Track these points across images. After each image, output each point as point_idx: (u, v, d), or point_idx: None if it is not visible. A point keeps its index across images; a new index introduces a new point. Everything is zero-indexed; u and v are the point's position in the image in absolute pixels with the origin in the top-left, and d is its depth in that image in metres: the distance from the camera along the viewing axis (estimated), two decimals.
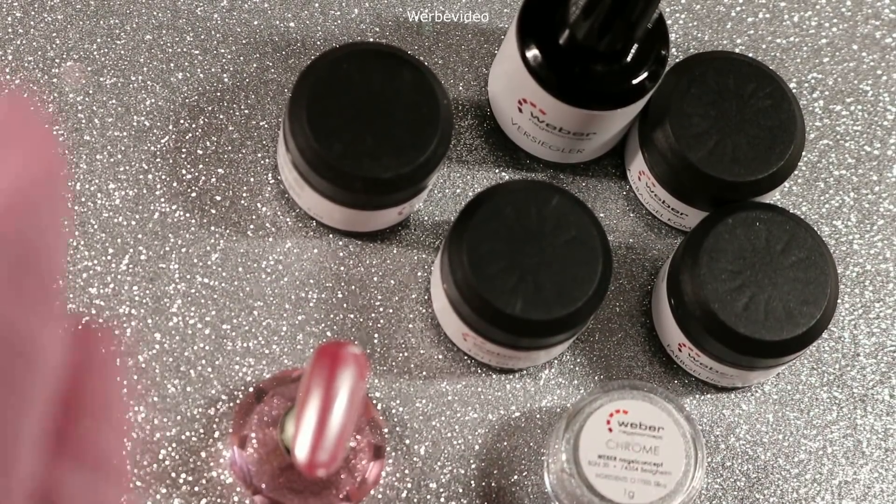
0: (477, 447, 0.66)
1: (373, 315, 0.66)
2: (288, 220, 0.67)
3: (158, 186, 0.67)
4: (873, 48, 0.74)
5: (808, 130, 0.72)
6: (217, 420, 0.64)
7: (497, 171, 0.69)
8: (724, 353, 0.64)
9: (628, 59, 0.63)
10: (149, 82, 0.68)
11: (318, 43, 0.70)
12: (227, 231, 0.67)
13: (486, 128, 0.70)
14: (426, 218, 0.68)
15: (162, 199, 0.67)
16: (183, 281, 0.66)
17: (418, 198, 0.65)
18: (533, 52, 0.63)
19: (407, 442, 0.65)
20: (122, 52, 0.68)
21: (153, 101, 0.68)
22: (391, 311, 0.67)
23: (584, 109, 0.64)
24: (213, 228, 0.66)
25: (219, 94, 0.68)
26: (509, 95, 0.66)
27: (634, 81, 0.63)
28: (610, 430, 0.62)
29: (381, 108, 0.62)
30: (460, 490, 0.65)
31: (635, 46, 0.63)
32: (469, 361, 0.66)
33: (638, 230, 0.70)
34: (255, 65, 0.69)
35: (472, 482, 0.65)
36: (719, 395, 0.68)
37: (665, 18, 0.65)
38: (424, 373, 0.66)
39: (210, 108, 0.68)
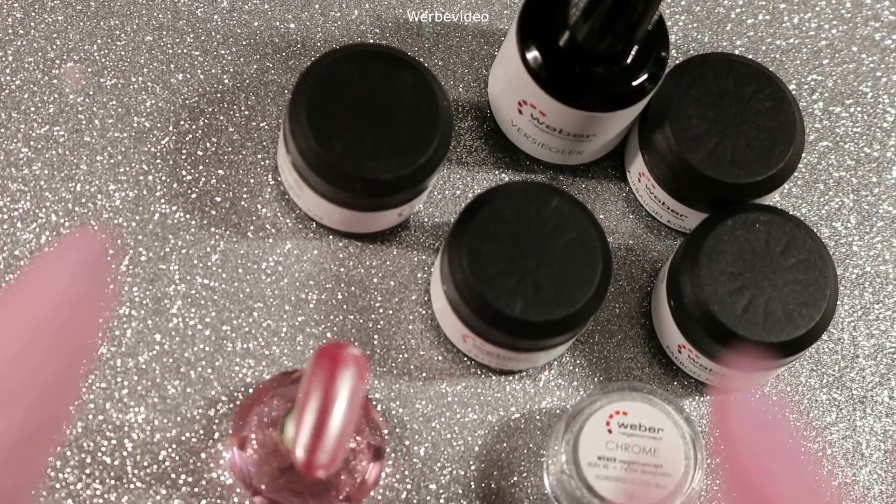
0: (476, 448, 0.66)
1: (373, 316, 0.66)
2: (288, 221, 0.67)
3: (158, 188, 0.67)
4: (873, 50, 0.74)
5: (807, 132, 0.72)
6: (217, 421, 0.64)
7: (497, 172, 0.69)
8: (724, 354, 0.64)
9: (628, 60, 0.63)
10: (149, 83, 0.68)
11: (318, 44, 0.70)
12: (227, 232, 0.67)
13: (485, 129, 0.70)
14: (426, 219, 0.68)
15: (162, 201, 0.67)
16: (183, 282, 0.66)
17: (418, 199, 0.65)
18: (533, 54, 0.63)
19: (407, 443, 0.65)
20: (123, 53, 0.68)
21: (153, 102, 0.68)
22: (391, 312, 0.67)
23: (583, 111, 0.64)
24: (213, 230, 0.67)
25: (219, 95, 0.68)
26: (509, 97, 0.66)
27: (634, 83, 0.64)
28: (609, 431, 0.62)
29: (382, 110, 0.62)
30: (460, 491, 0.65)
31: (635, 48, 0.63)
32: (469, 363, 0.67)
33: (637, 232, 0.70)
34: (255, 66, 0.69)
35: (472, 483, 0.65)
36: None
37: (665, 20, 0.65)
38: (424, 374, 0.66)
39: (210, 110, 0.68)
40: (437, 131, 0.62)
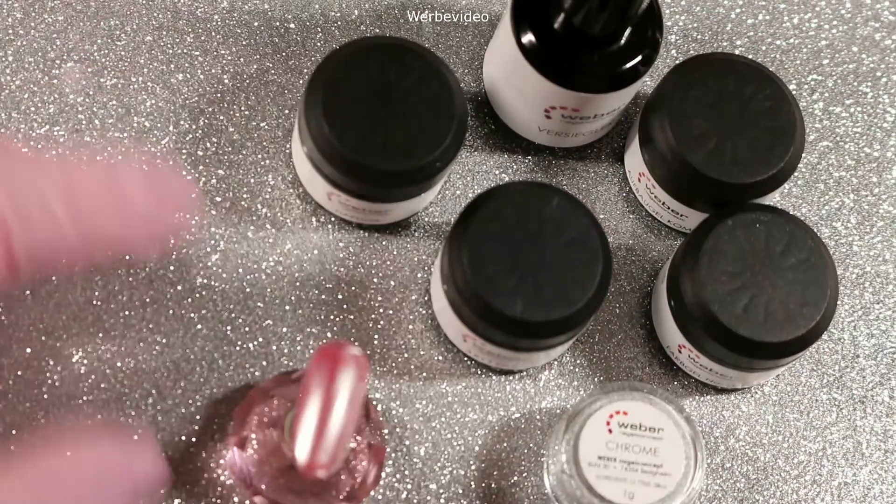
0: (477, 448, 0.66)
1: (373, 316, 0.66)
2: (288, 221, 0.67)
3: None
4: (873, 50, 0.74)
5: (807, 132, 0.72)
6: (217, 421, 0.64)
7: (497, 172, 0.69)
8: (724, 354, 0.64)
9: (622, 42, 0.64)
10: (149, 83, 0.68)
11: (319, 44, 0.70)
12: (227, 232, 0.67)
13: (485, 130, 0.70)
14: (426, 219, 0.68)
15: None
16: (183, 282, 0.66)
17: (431, 192, 0.65)
18: (528, 37, 0.63)
19: (407, 443, 0.65)
20: (123, 53, 0.68)
21: (153, 102, 0.68)
22: (391, 312, 0.67)
23: (579, 93, 0.64)
24: (213, 230, 0.66)
25: (219, 95, 0.68)
26: (505, 82, 0.66)
27: (627, 65, 0.64)
28: (610, 431, 0.62)
29: (398, 103, 0.62)
30: (460, 491, 0.65)
31: (629, 30, 0.64)
32: (469, 362, 0.66)
33: (638, 232, 0.70)
34: (255, 66, 0.69)
35: (472, 483, 0.65)
36: (719, 397, 0.68)
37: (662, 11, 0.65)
38: (424, 374, 0.66)
39: (210, 110, 0.68)
40: (451, 125, 0.62)
